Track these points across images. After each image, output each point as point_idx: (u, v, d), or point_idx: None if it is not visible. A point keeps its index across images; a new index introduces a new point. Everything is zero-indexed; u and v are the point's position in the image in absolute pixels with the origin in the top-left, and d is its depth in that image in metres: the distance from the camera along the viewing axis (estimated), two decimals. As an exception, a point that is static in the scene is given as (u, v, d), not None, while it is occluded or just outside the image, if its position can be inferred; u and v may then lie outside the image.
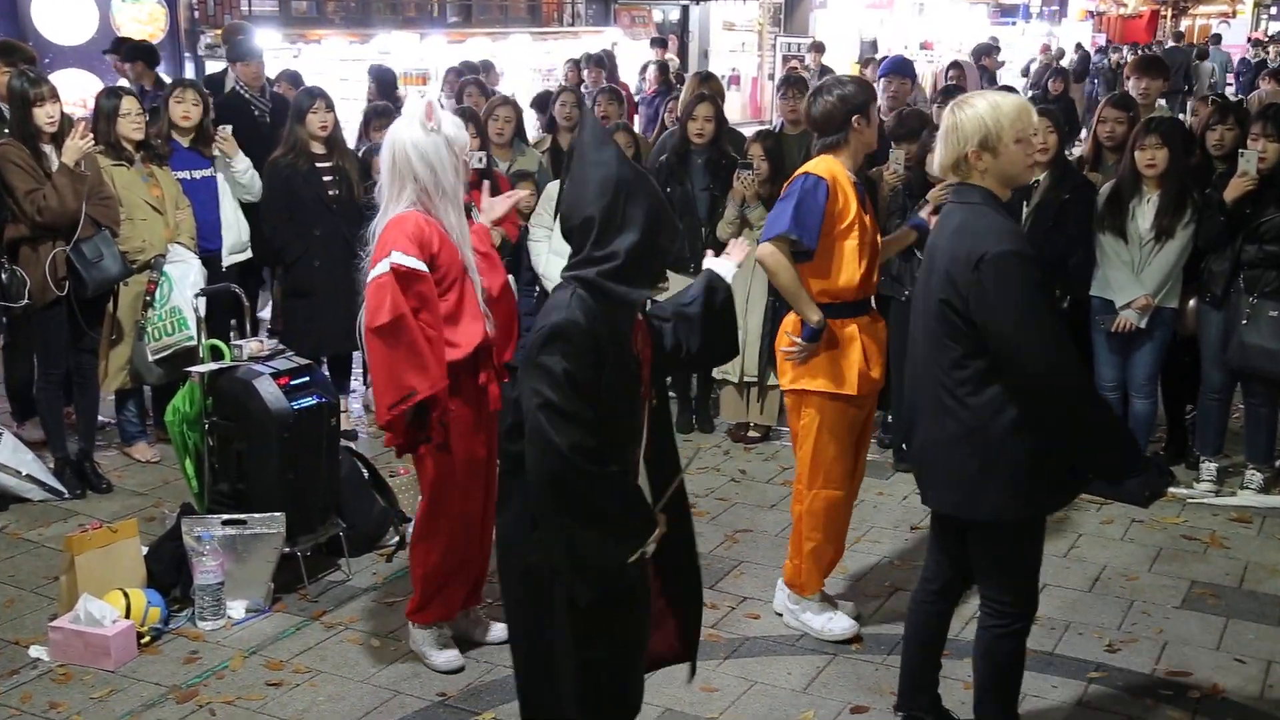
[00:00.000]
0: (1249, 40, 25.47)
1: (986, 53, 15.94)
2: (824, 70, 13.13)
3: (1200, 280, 5.67)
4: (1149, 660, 4.27)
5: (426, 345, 3.77)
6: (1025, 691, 3.98)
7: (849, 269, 4.20)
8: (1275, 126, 5.42)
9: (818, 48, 15.83)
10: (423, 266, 3.79)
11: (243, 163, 6.34)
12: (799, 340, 4.22)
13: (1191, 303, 5.75)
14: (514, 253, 6.48)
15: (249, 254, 6.57)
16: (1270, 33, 30.77)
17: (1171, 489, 5.74)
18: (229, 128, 6.37)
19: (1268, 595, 4.77)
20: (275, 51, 9.75)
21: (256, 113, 7.21)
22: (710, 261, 3.54)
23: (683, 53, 18.07)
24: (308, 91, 6.43)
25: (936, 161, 3.39)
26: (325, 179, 6.20)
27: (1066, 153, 6.02)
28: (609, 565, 2.85)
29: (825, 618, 4.43)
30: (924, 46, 20.56)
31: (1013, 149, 3.25)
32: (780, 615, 4.55)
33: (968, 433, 3.30)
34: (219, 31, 10.25)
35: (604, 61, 11.88)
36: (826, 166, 4.27)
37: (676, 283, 6.42)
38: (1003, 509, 3.32)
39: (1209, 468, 5.77)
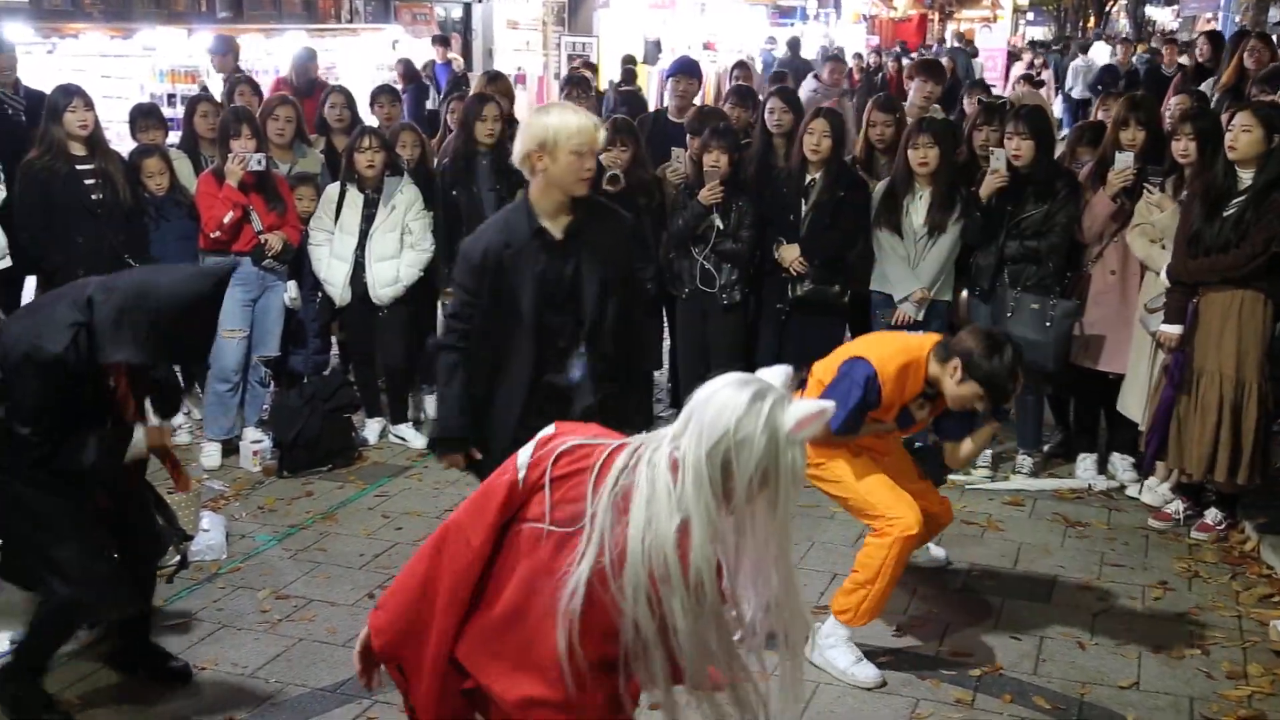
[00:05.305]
0: (1010, 44, 26.86)
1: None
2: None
3: (969, 274, 5.92)
4: (933, 642, 4.42)
5: None
6: (816, 678, 4.09)
7: None
8: (1028, 125, 5.68)
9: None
10: None
11: None
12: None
13: (964, 295, 5.99)
14: (296, 258, 6.27)
15: (9, 262, 6.15)
16: (1029, 38, 32.64)
17: (950, 475, 5.97)
18: None
19: (1039, 575, 5.00)
20: (26, 46, 9.06)
21: (10, 111, 6.75)
22: None
23: (466, 51, 17.83)
24: (63, 89, 6.01)
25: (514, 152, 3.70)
26: (87, 182, 5.84)
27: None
28: None
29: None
30: (706, 47, 20.84)
31: (566, 159, 3.62)
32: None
33: None
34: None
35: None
36: None
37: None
38: None
39: (984, 454, 6.02)
